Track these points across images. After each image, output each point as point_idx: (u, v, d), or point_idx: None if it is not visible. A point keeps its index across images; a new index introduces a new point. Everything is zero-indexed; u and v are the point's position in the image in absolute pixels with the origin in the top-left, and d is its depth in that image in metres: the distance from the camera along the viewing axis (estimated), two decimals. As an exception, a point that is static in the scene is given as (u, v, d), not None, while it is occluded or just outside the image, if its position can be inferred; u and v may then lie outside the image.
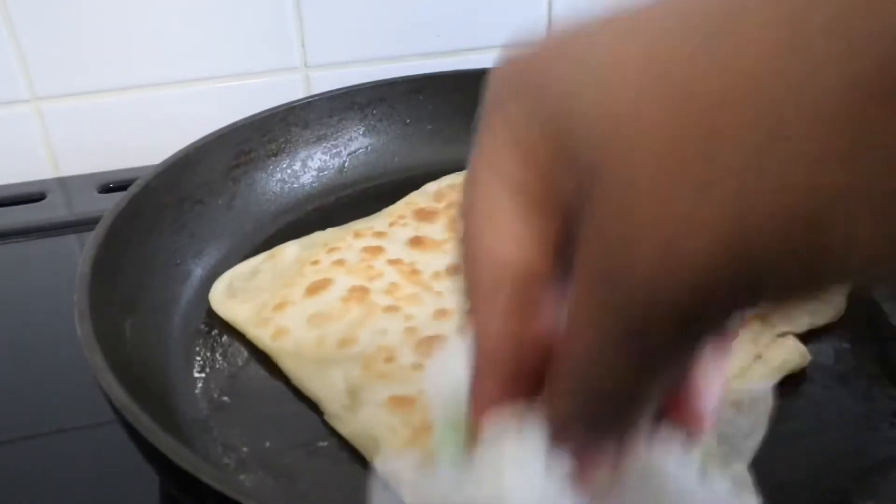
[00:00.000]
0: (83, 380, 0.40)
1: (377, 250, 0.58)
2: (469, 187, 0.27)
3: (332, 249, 0.58)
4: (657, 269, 0.21)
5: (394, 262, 0.56)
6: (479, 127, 0.28)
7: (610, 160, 0.22)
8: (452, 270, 0.55)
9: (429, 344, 0.48)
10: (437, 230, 0.60)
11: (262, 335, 0.51)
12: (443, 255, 0.57)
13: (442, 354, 0.32)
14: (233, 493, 0.32)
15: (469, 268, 0.27)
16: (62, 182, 0.80)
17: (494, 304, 0.26)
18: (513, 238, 0.25)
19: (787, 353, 0.49)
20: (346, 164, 0.72)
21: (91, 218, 0.50)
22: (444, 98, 0.74)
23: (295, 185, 0.69)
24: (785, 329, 0.50)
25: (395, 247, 0.58)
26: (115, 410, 0.37)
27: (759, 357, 0.48)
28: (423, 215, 0.62)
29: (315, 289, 0.54)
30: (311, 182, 0.70)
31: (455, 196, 0.64)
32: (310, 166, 0.70)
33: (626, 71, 0.22)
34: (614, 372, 0.24)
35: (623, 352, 0.23)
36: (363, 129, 0.73)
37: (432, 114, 0.74)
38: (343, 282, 0.54)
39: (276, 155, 0.68)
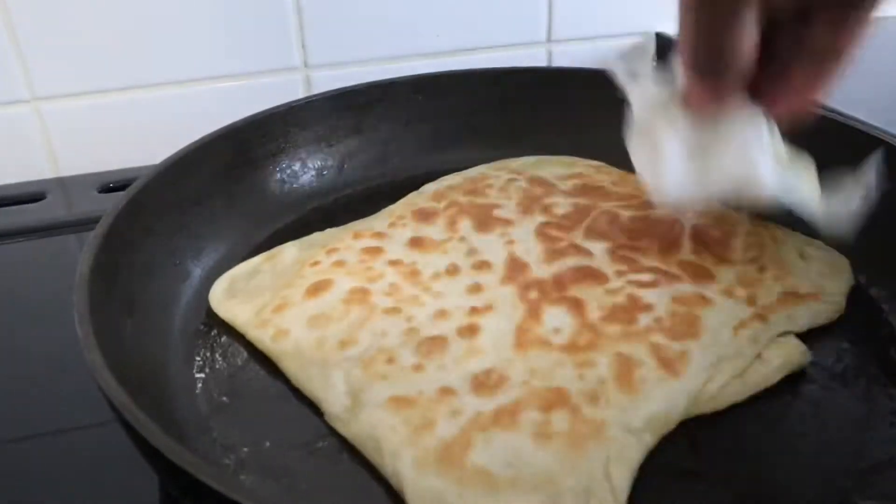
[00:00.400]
0: (83, 380, 0.40)
1: (377, 251, 0.57)
2: None
3: (331, 250, 0.58)
4: None
5: (394, 262, 0.56)
6: None
7: None
8: (452, 270, 0.55)
9: (429, 344, 0.48)
10: (437, 231, 0.60)
11: (262, 336, 0.51)
12: (442, 256, 0.57)
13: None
14: (233, 493, 0.32)
15: None
16: (62, 182, 0.80)
17: None
18: None
19: (788, 352, 0.49)
20: (346, 165, 0.71)
21: (91, 218, 0.50)
22: (443, 98, 0.74)
23: (294, 186, 0.69)
24: (785, 329, 0.50)
25: (395, 247, 0.58)
26: (115, 411, 0.37)
27: (759, 357, 0.48)
28: (423, 216, 0.62)
29: (315, 290, 0.54)
30: (311, 182, 0.70)
31: (454, 196, 0.64)
32: (309, 166, 0.70)
33: None
34: (703, 26, 0.43)
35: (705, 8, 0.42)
36: (362, 129, 0.72)
37: (431, 114, 0.74)
38: (343, 283, 0.54)
39: (275, 155, 0.68)
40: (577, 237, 0.59)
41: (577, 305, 0.51)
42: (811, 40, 0.45)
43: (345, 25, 0.84)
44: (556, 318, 0.50)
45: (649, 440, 0.43)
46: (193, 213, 0.59)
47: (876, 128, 0.59)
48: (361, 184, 0.69)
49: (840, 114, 0.61)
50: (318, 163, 0.70)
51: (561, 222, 0.60)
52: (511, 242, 0.58)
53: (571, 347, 0.48)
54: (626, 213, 0.61)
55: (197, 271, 0.58)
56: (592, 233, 0.59)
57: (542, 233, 0.59)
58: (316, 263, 0.56)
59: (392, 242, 0.59)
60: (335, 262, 0.56)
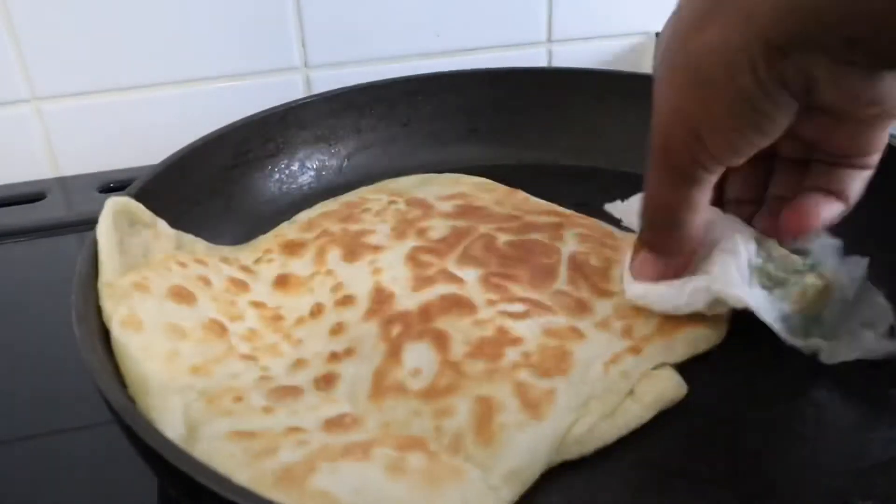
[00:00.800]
0: (83, 380, 0.40)
1: (242, 286, 0.54)
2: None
3: (200, 262, 0.53)
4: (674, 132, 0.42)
5: (257, 304, 0.52)
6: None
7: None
8: (316, 311, 0.52)
9: (283, 392, 0.45)
10: (304, 265, 0.56)
11: (112, 311, 0.45)
12: (307, 296, 0.54)
13: None
14: (232, 494, 0.32)
15: None
16: (62, 182, 0.80)
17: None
18: None
19: (662, 386, 0.46)
20: (345, 165, 0.71)
21: (91, 218, 0.50)
22: (442, 99, 0.74)
23: (293, 186, 0.69)
24: (661, 360, 0.48)
25: (260, 287, 0.54)
26: (114, 412, 0.37)
27: (631, 393, 0.46)
28: (291, 249, 0.58)
29: (178, 295, 0.49)
30: (310, 183, 0.70)
31: (326, 224, 0.61)
32: (308, 167, 0.70)
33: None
34: (659, 197, 0.45)
35: (662, 180, 0.44)
36: (361, 129, 0.72)
37: (430, 114, 0.74)
38: (205, 307, 0.49)
39: (274, 156, 0.68)
40: (450, 263, 0.55)
41: (441, 340, 0.48)
42: (810, 181, 0.47)
43: (345, 25, 0.84)
44: (418, 357, 0.47)
45: (507, 496, 0.40)
46: (191, 214, 0.59)
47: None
48: (360, 184, 0.69)
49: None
50: (317, 163, 0.70)
51: (435, 247, 0.57)
52: (378, 271, 0.54)
53: (430, 392, 0.44)
54: (503, 238, 0.58)
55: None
56: (467, 258, 0.56)
57: (412, 258, 0.55)
58: (183, 265, 0.52)
59: (257, 281, 0.55)
60: (201, 277, 0.52)
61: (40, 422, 0.51)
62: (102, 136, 0.82)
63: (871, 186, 0.47)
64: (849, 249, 0.50)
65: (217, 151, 0.64)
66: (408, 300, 0.51)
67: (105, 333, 0.44)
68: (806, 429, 0.45)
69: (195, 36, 0.81)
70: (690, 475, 0.42)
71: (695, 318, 0.50)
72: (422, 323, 0.49)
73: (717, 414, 0.46)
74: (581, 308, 0.52)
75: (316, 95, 0.72)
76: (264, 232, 0.62)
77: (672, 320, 0.50)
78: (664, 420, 0.45)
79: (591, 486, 0.42)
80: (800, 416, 0.46)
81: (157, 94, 0.82)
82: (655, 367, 0.47)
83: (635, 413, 0.45)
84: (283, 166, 0.69)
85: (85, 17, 0.78)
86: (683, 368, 0.48)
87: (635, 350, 0.48)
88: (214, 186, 0.63)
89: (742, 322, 0.52)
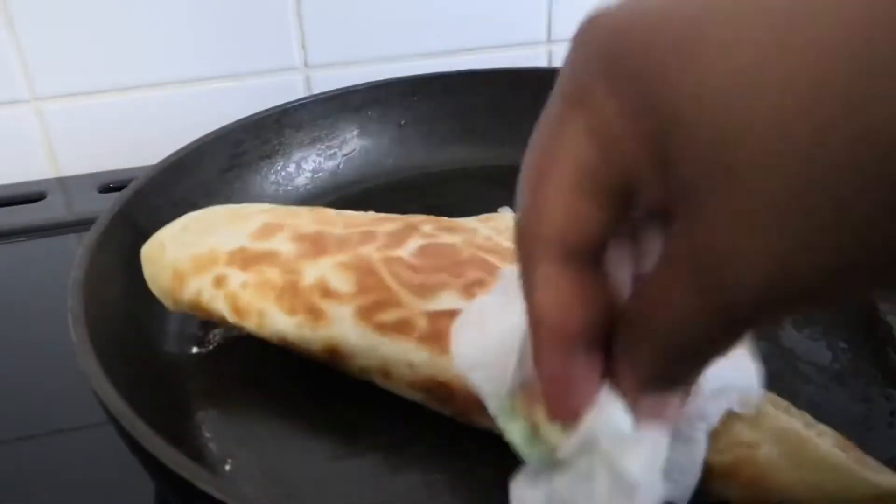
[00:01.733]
0: (81, 380, 0.40)
1: None
2: (534, 160, 0.28)
3: None
4: (766, 282, 0.23)
5: None
6: (555, 95, 0.28)
7: (721, 187, 0.22)
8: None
9: None
10: None
11: None
12: None
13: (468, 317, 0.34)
14: (233, 500, 0.32)
15: (530, 241, 0.28)
16: (62, 182, 0.80)
17: (552, 282, 0.27)
18: (576, 216, 0.27)
19: None
20: (341, 166, 0.72)
21: (91, 218, 0.50)
22: (438, 99, 0.74)
23: (289, 188, 0.69)
24: None
25: None
26: (112, 417, 0.37)
27: None
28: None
29: None
30: (306, 184, 0.70)
31: None
32: (304, 168, 0.70)
33: (754, 90, 0.22)
34: (701, 337, 0.26)
35: (714, 324, 0.25)
36: (357, 130, 0.73)
37: (427, 115, 0.74)
38: None
39: (269, 157, 0.68)
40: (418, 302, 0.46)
41: None
42: None
43: (345, 25, 0.83)
44: None
45: None
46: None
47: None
48: (356, 185, 0.69)
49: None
50: (313, 165, 0.71)
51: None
52: None
53: None
54: (404, 253, 0.50)
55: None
56: (423, 290, 0.47)
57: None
58: None
59: None
60: None
61: (39, 422, 0.51)
62: (102, 136, 0.82)
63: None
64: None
65: (212, 154, 0.64)
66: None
67: (99, 338, 0.44)
68: (804, 429, 0.45)
69: (195, 36, 0.81)
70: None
71: None
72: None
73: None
74: None
75: (311, 96, 0.72)
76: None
77: None
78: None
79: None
80: (798, 416, 0.46)
81: (157, 94, 0.82)
82: None
83: None
84: (278, 168, 0.69)
85: (85, 17, 0.77)
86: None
87: None
88: (210, 188, 0.63)
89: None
